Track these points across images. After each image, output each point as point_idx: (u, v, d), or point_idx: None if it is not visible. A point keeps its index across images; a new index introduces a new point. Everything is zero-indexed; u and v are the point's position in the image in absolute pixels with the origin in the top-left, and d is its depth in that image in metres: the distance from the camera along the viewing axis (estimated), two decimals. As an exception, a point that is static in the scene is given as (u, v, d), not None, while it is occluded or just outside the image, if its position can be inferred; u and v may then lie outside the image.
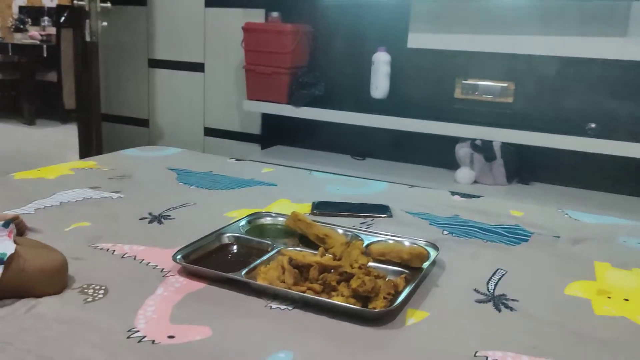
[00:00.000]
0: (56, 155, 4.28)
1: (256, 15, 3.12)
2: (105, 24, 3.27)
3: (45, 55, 6.06)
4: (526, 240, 1.40)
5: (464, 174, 2.72)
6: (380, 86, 2.89)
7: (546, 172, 2.71)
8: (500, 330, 0.95)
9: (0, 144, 4.99)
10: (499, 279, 1.17)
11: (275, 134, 3.27)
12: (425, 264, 1.14)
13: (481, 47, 2.73)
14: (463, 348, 0.89)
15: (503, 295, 1.09)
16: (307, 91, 2.95)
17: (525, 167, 2.71)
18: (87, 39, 3.29)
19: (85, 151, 3.66)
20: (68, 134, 4.48)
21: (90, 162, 1.91)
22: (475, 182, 2.71)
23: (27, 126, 5.78)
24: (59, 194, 1.53)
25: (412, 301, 1.04)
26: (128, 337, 0.86)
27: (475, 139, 2.66)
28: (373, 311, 0.95)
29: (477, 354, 0.88)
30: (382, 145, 3.02)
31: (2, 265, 0.93)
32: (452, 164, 2.74)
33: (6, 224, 1.01)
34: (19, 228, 1.18)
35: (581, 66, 2.58)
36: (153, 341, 0.86)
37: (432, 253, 1.19)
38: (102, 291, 1.01)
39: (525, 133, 2.50)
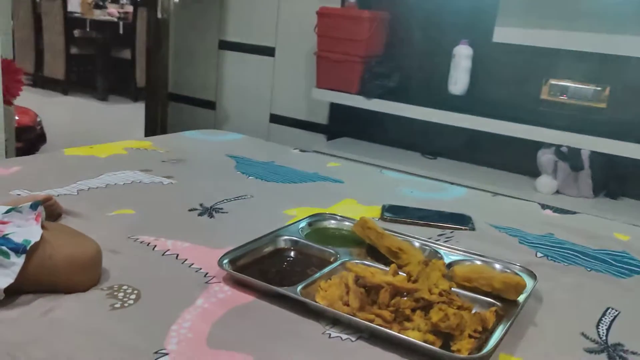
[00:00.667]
0: (124, 132, 4.26)
1: (332, 0, 2.95)
2: (177, 0, 3.19)
3: (121, 32, 6.13)
4: (638, 273, 1.16)
5: (546, 183, 2.47)
6: (459, 82, 2.68)
7: (637, 186, 2.42)
8: (622, 397, 0.74)
9: (73, 117, 5.06)
10: (611, 321, 0.94)
11: (342, 125, 3.11)
12: (522, 297, 0.93)
13: (574, 45, 2.45)
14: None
15: (619, 345, 0.87)
16: (381, 82, 2.76)
17: (614, 180, 2.42)
18: (159, 15, 3.23)
19: (151, 130, 3.62)
20: (138, 112, 4.48)
21: (146, 142, 1.79)
22: (557, 192, 2.45)
23: (99, 102, 5.86)
24: (107, 174, 1.41)
25: (504, 343, 0.83)
26: (154, 361, 0.71)
27: (560, 146, 2.41)
28: (459, 357, 0.76)
29: None
30: (456, 145, 2.80)
31: (24, 255, 0.80)
32: (533, 171, 2.50)
33: (34, 206, 0.88)
34: (51, 210, 1.05)
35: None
36: (183, 369, 0.70)
37: (529, 283, 0.97)
38: (133, 296, 0.86)
39: (618, 143, 2.23)
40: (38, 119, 3.64)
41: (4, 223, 0.83)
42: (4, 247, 0.79)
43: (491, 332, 0.84)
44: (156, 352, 0.72)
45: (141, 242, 1.05)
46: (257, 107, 3.43)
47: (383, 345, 0.79)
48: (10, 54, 2.55)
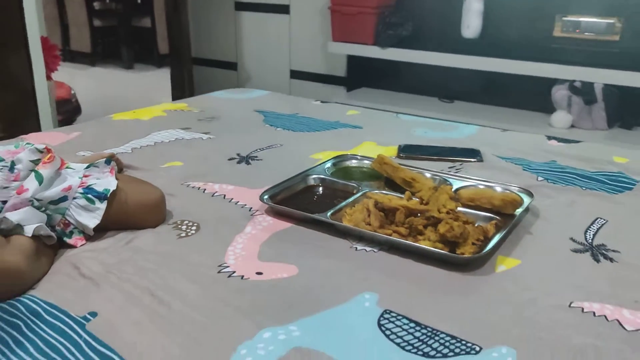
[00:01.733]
0: (152, 98, 4.44)
1: (343, -47, 3.01)
2: (193, -34, 3.29)
3: (139, 1, 6.23)
4: (630, 189, 1.30)
5: (561, 118, 2.57)
6: (471, 25, 2.74)
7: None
8: (598, 282, 0.90)
9: (102, 87, 5.24)
10: (598, 228, 1.10)
11: (360, 76, 3.22)
12: (518, 211, 1.09)
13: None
14: (556, 298, 0.85)
15: (602, 245, 1.03)
16: (394, 31, 2.85)
17: (628, 111, 2.51)
18: (176, -18, 3.33)
19: (177, 94, 3.78)
20: (162, 78, 4.64)
21: (182, 104, 1.96)
22: (572, 126, 2.56)
23: (125, 70, 6.03)
24: (154, 134, 1.59)
25: (502, 248, 1.00)
26: (219, 272, 0.89)
27: (574, 81, 2.49)
28: (461, 256, 0.93)
29: (571, 305, 0.84)
30: (472, 87, 2.89)
31: (106, 201, 0.98)
32: (548, 108, 2.59)
33: (107, 162, 1.06)
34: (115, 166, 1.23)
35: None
36: (242, 277, 0.88)
37: (526, 200, 1.13)
38: (194, 227, 1.04)
39: (631, 74, 2.30)
40: (72, 92, 3.83)
41: (86, 176, 1.01)
42: (89, 195, 0.98)
43: (491, 240, 1.00)
44: (220, 266, 0.91)
45: (192, 187, 1.23)
46: (277, 64, 3.52)
47: (400, 253, 0.97)
48: (44, 31, 2.71)
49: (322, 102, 2.08)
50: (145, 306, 0.79)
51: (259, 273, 0.90)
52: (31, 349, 0.71)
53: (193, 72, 3.86)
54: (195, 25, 3.79)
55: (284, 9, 3.39)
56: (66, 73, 5.08)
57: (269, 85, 3.44)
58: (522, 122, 2.54)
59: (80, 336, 0.73)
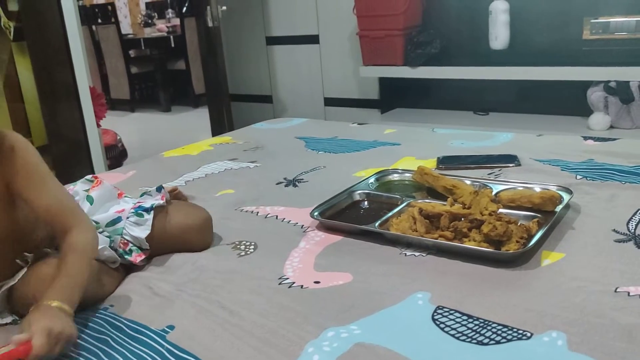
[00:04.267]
0: (192, 137, 4.60)
1: (366, -20, 3.11)
2: (224, 8, 3.44)
3: (172, 45, 6.51)
4: (671, 180, 1.32)
5: (598, 120, 2.56)
6: (499, 36, 2.76)
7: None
8: (643, 268, 0.93)
9: (143, 130, 5.47)
10: (640, 218, 1.13)
11: (394, 97, 3.26)
12: (558, 208, 1.13)
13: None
14: (603, 285, 0.89)
15: (645, 234, 1.06)
16: (423, 50, 2.90)
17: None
18: (209, 24, 3.49)
19: (217, 130, 3.92)
20: (200, 117, 4.81)
21: (226, 138, 2.07)
22: (611, 127, 2.54)
23: (164, 113, 6.26)
24: (204, 167, 1.69)
25: (546, 243, 1.04)
26: (279, 284, 0.97)
27: (609, 81, 2.48)
28: (507, 253, 0.98)
29: (617, 290, 0.87)
30: (506, 98, 2.90)
31: (152, 211, 1.07)
32: (585, 111, 2.58)
33: (159, 189, 1.16)
34: (178, 199, 1.33)
35: None
36: (302, 286, 0.95)
37: (565, 196, 1.17)
38: (252, 246, 1.12)
39: (667, 69, 2.29)
40: (118, 137, 4.03)
41: (140, 202, 1.11)
42: (140, 211, 1.08)
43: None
44: (280, 278, 0.98)
45: (246, 211, 1.32)
46: (310, 93, 3.60)
47: (448, 255, 1.02)
48: (90, 82, 2.89)
49: (359, 124, 2.15)
50: (217, 317, 0.87)
51: (316, 282, 0.96)
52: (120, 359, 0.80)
53: (231, 108, 3.98)
54: (229, 62, 3.93)
55: (313, 39, 3.48)
56: (108, 120, 5.32)
57: (305, 114, 3.52)
58: (559, 128, 2.54)
59: (162, 346, 0.81)
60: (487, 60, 2.69)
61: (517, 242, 1.02)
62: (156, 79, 6.32)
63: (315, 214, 1.20)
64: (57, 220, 0.90)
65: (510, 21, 2.72)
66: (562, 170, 1.44)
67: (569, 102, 2.68)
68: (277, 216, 1.27)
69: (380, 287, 0.93)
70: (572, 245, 1.03)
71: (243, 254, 1.09)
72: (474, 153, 1.63)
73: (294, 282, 0.96)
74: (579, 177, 1.38)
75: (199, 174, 1.63)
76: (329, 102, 3.56)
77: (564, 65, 2.47)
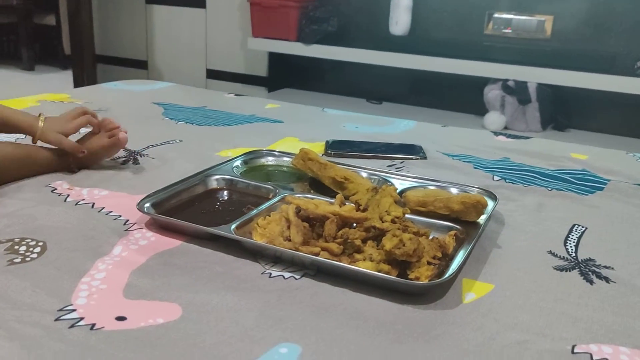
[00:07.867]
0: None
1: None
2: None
3: (42, -4, 5.72)
4: (601, 189, 1.09)
5: (494, 119, 2.42)
6: (400, 21, 2.58)
7: (584, 117, 2.41)
8: (600, 312, 0.66)
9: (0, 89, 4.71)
10: (579, 237, 0.87)
11: (283, 75, 2.97)
12: (483, 218, 0.84)
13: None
14: (553, 340, 0.60)
15: (590, 260, 0.80)
16: (319, 27, 2.63)
17: (561, 112, 2.40)
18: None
19: (79, 95, 3.38)
20: (67, 79, 4.20)
21: (63, 95, 1.61)
22: (505, 128, 2.41)
23: (25, 72, 5.49)
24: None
25: (467, 267, 0.75)
26: (56, 319, 0.58)
27: (507, 80, 2.35)
28: (417, 283, 0.66)
29: (575, 350, 0.59)
30: (401, 88, 2.72)
31: None
32: (480, 109, 2.44)
33: None
34: None
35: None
36: (92, 326, 0.57)
37: (490, 203, 0.89)
38: (37, 249, 0.72)
39: (564, 72, 2.19)
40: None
41: None
42: None
43: (452, 257, 0.75)
44: (60, 310, 0.60)
45: (53, 191, 0.90)
46: (191, 63, 3.26)
47: (332, 280, 0.69)
48: None
49: (236, 95, 1.78)
50: None
51: (120, 318, 0.59)
52: None
53: (97, 72, 3.48)
54: (102, 20, 3.43)
55: (199, 3, 3.12)
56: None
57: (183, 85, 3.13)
58: (455, 124, 2.36)
59: None
60: (386, 45, 2.49)
61: (429, 263, 0.72)
62: (19, 33, 5.51)
63: (147, 205, 0.82)
64: None
65: (412, 6, 2.53)
66: (475, 168, 1.18)
67: (465, 98, 2.57)
68: (93, 204, 0.87)
69: (221, 332, 0.58)
70: (501, 273, 0.75)
71: (19, 260, 0.69)
72: (371, 139, 1.33)
73: (81, 319, 0.58)
74: (496, 178, 1.12)
75: (8, 136, 1.17)
76: (212, 74, 3.21)
77: (464, 58, 2.31)
